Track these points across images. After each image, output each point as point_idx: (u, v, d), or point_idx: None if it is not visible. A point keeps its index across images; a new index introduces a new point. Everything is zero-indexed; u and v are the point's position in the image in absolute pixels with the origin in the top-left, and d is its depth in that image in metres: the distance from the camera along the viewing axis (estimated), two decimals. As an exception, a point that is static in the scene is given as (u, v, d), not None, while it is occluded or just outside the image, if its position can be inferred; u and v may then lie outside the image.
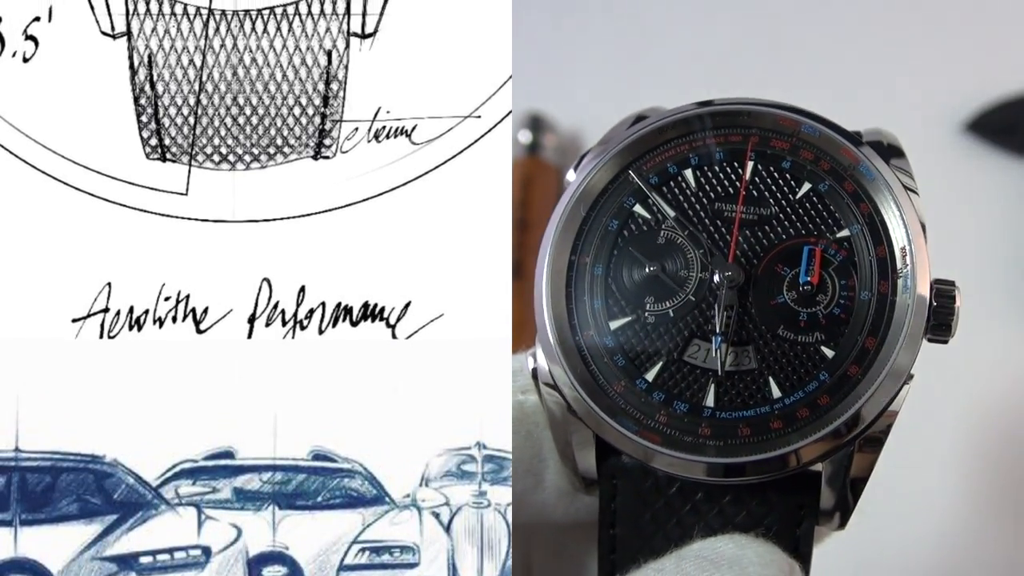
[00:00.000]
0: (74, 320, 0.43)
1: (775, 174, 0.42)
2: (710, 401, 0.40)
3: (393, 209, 0.44)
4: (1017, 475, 0.75)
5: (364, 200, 0.44)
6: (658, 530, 0.42)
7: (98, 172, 0.44)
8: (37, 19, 0.44)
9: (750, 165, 0.42)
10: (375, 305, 0.44)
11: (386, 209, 0.44)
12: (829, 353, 0.40)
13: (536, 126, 0.87)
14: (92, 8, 0.44)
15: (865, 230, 0.41)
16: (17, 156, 0.44)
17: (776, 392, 0.40)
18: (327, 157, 0.44)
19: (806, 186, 0.42)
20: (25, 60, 0.44)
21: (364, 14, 0.44)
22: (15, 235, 0.44)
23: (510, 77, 0.44)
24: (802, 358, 0.40)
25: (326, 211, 0.44)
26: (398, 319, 0.44)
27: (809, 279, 0.41)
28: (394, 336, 0.44)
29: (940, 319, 0.40)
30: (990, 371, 0.76)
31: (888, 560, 0.73)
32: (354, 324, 0.44)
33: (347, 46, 0.44)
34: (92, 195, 0.44)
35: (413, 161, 0.44)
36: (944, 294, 0.40)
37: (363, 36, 0.44)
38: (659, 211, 0.43)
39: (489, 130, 0.44)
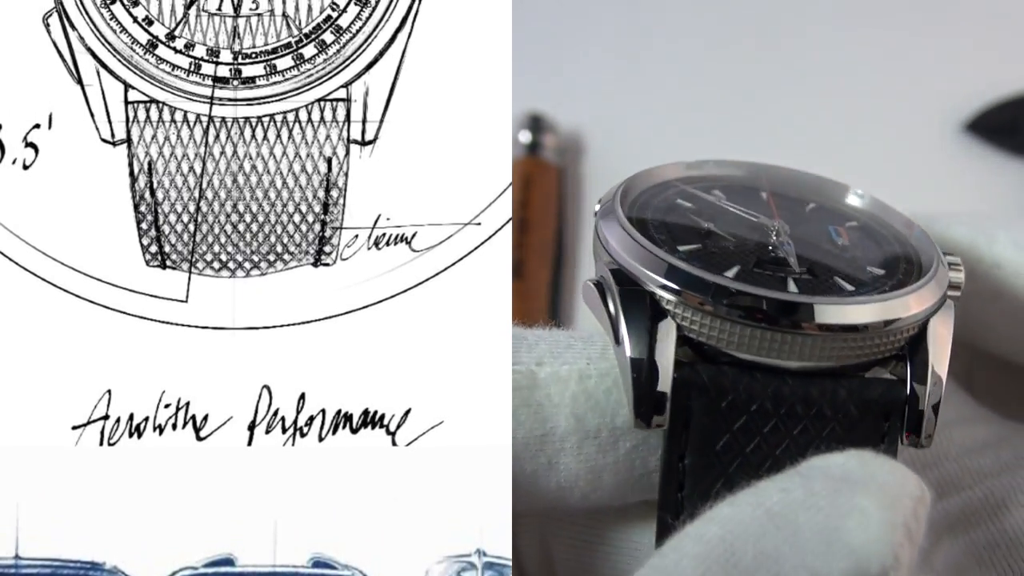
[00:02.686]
0: (74, 427, 0.44)
1: None
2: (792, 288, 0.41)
3: (393, 316, 0.44)
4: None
5: (364, 307, 0.44)
6: (737, 455, 0.40)
7: (98, 279, 0.44)
8: (37, 126, 0.44)
9: None
10: (375, 412, 0.44)
11: (386, 316, 0.44)
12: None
13: (536, 126, 0.87)
14: (92, 116, 0.44)
15: None
16: (17, 263, 0.44)
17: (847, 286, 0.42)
18: (327, 264, 0.44)
19: None
20: (25, 167, 0.44)
21: (364, 121, 0.44)
22: (15, 342, 0.44)
23: (510, 184, 0.44)
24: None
25: (326, 318, 0.44)
26: (398, 426, 0.44)
27: None
28: (394, 443, 0.44)
29: None
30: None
31: None
32: (354, 431, 0.44)
33: (347, 153, 0.44)
34: (92, 302, 0.44)
35: (413, 268, 0.44)
36: None
37: (363, 143, 0.44)
38: None
39: (489, 237, 0.44)
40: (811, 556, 0.31)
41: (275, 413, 0.44)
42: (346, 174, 0.44)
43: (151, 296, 0.44)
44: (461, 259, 0.44)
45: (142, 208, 0.44)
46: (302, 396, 0.44)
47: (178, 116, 0.44)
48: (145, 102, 0.44)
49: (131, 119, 0.44)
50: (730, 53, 0.89)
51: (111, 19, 0.44)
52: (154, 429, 0.43)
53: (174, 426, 0.44)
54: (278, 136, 0.44)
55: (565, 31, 0.92)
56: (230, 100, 0.44)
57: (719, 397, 0.39)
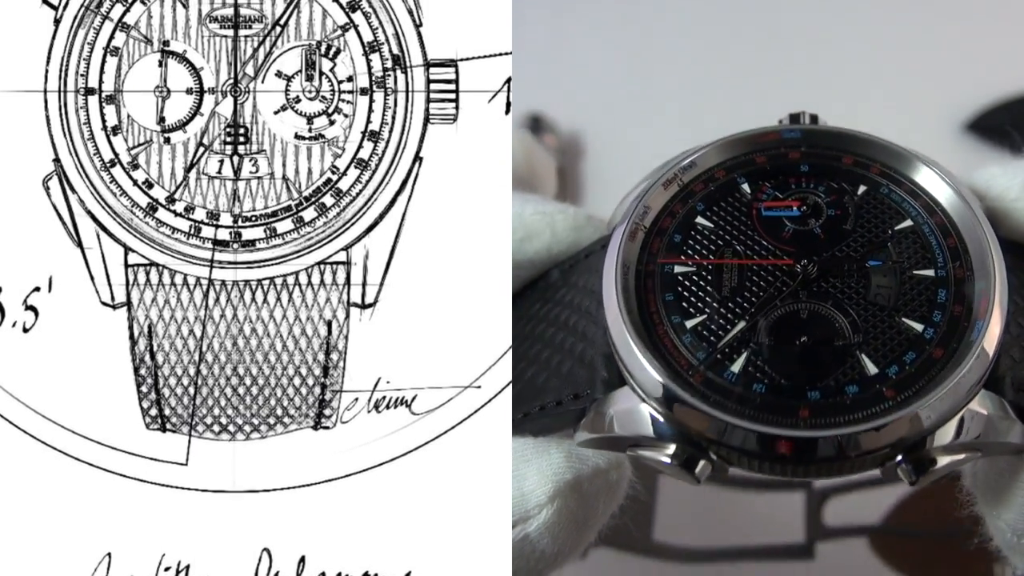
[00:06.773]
0: (74, 590, 0.44)
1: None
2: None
3: (393, 479, 0.44)
4: None
5: (364, 470, 0.44)
6: None
7: (98, 442, 0.44)
8: (37, 289, 0.44)
9: None
10: (375, 575, 0.44)
11: (386, 479, 0.44)
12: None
13: (536, 126, 0.87)
14: (92, 279, 0.44)
15: None
16: (17, 426, 0.44)
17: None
18: (327, 427, 0.44)
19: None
20: (25, 330, 0.44)
21: (364, 284, 0.44)
22: (15, 505, 0.44)
23: (510, 347, 0.44)
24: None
25: (326, 481, 0.44)
26: (398, 589, 0.44)
27: None
28: (394, 606, 0.44)
29: None
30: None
31: None
32: (354, 594, 0.44)
33: (347, 316, 0.44)
34: (92, 465, 0.44)
35: (413, 431, 0.44)
36: None
37: (363, 306, 0.44)
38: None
39: (489, 400, 0.44)
40: (513, 491, 0.42)
41: (275, 576, 0.44)
42: (346, 337, 0.44)
43: (151, 459, 0.44)
44: (461, 422, 0.44)
45: (142, 371, 0.44)
46: (302, 559, 0.44)
47: (178, 279, 0.44)
48: (145, 265, 0.44)
49: (131, 282, 0.44)
50: (730, 53, 0.89)
51: (111, 182, 0.43)
52: (154, 591, 0.44)
53: (174, 589, 0.44)
54: (278, 299, 0.44)
55: (565, 31, 0.92)
56: (230, 263, 0.44)
57: None
